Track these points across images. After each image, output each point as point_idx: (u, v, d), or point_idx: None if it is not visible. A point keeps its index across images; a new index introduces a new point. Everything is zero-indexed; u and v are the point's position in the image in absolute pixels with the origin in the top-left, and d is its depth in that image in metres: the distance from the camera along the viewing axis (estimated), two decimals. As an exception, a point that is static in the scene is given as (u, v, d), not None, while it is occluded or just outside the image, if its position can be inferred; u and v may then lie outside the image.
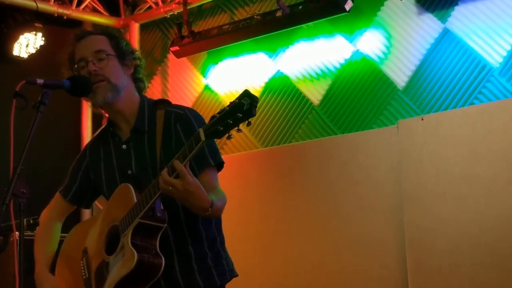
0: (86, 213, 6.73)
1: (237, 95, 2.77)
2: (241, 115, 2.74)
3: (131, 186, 3.13)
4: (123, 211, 3.10)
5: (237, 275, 3.35)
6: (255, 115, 2.76)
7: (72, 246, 3.48)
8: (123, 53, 3.30)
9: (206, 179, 3.13)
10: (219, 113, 2.79)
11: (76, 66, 3.26)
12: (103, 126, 3.49)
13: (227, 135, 2.79)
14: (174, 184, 2.86)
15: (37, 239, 3.53)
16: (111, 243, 3.17)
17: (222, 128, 2.76)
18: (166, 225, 3.06)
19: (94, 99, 3.25)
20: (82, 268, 3.34)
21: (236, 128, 2.77)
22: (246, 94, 2.76)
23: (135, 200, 3.06)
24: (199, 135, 2.81)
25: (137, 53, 3.41)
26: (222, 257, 3.28)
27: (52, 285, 3.32)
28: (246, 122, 2.77)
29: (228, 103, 2.79)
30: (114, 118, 3.35)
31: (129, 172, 3.26)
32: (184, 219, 3.18)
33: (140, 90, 3.39)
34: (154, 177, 3.07)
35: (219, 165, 3.23)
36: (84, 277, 3.31)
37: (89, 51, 3.24)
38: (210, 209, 2.96)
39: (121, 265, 3.06)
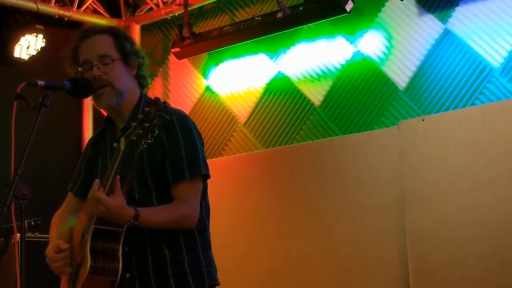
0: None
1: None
2: (147, 125, 2.75)
3: None
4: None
5: (218, 284, 3.27)
6: (158, 125, 2.77)
7: (68, 239, 3.50)
8: (127, 54, 3.27)
9: (177, 192, 3.12)
10: (134, 121, 2.80)
11: (80, 68, 3.25)
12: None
13: (143, 144, 2.78)
14: (100, 201, 2.87)
15: (51, 227, 3.51)
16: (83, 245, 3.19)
17: (135, 138, 2.78)
18: (124, 229, 3.01)
19: (97, 103, 3.25)
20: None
21: (147, 139, 2.78)
22: (153, 102, 2.76)
23: None
24: (119, 145, 2.83)
25: (141, 51, 3.38)
26: (201, 264, 3.21)
27: (54, 243, 3.28)
28: (155, 131, 2.76)
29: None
30: (113, 117, 3.36)
31: None
32: None
33: (142, 86, 3.38)
34: (138, 180, 3.09)
35: (204, 177, 3.19)
36: (67, 276, 3.33)
37: (93, 55, 3.21)
38: (133, 221, 2.93)
39: (82, 271, 3.06)
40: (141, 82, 3.36)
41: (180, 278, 3.15)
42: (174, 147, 3.12)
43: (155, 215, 3.04)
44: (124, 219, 2.93)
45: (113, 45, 3.26)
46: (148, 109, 2.75)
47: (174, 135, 3.15)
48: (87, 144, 3.53)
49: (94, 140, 3.48)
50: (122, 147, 2.80)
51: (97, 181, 2.94)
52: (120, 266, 3.00)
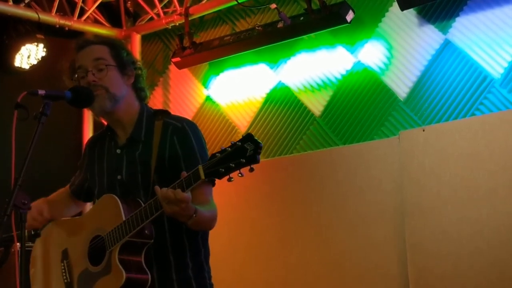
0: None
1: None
2: (244, 161, 2.74)
3: (118, 199, 3.13)
4: (110, 223, 3.10)
5: None
6: (259, 162, 2.75)
7: (48, 245, 3.48)
8: (123, 63, 3.32)
9: (200, 192, 3.14)
10: (220, 152, 2.78)
11: (76, 75, 3.29)
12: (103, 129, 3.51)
13: (227, 177, 2.79)
14: (183, 200, 2.87)
15: (53, 194, 3.63)
16: (94, 252, 3.18)
17: (223, 170, 2.78)
18: (152, 241, 3.07)
19: (92, 107, 3.27)
20: (63, 270, 3.35)
21: (238, 172, 2.78)
22: (249, 138, 2.75)
23: (123, 215, 3.06)
24: (198, 172, 2.82)
25: (139, 63, 3.44)
26: (204, 270, 3.27)
27: (36, 209, 3.42)
28: (249, 167, 2.76)
29: (230, 144, 2.76)
30: (113, 126, 3.38)
31: (119, 177, 3.27)
32: (168, 229, 3.19)
33: (142, 99, 3.41)
34: (143, 186, 3.13)
35: (212, 182, 3.23)
36: (66, 280, 3.31)
37: (88, 60, 3.26)
38: (194, 215, 2.95)
39: (108, 281, 3.07)
40: (140, 94, 3.40)
41: (184, 283, 3.20)
42: (189, 152, 3.19)
43: (203, 211, 3.07)
44: (191, 213, 2.94)
45: (108, 53, 3.32)
46: (240, 144, 2.75)
47: (188, 141, 3.22)
48: (85, 147, 3.58)
49: (90, 145, 3.54)
50: (203, 176, 2.80)
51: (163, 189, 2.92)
52: (149, 277, 3.05)
